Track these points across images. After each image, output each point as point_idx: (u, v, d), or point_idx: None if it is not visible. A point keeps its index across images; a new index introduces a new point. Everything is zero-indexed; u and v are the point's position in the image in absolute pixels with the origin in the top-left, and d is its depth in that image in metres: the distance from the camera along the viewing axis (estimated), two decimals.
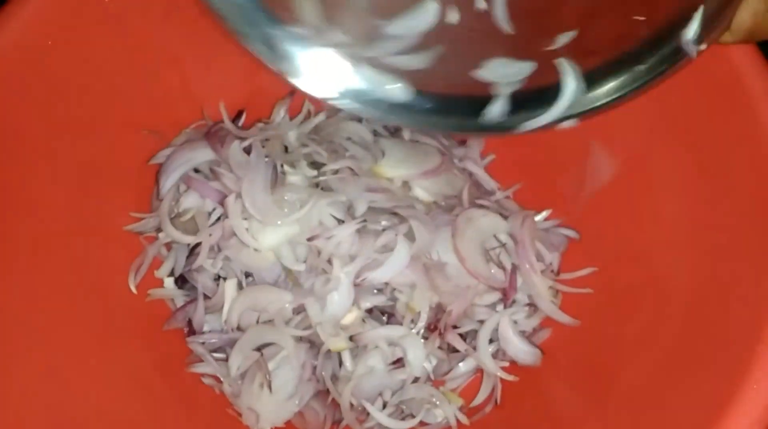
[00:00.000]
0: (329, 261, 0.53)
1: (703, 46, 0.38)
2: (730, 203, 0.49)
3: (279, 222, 0.54)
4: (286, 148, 0.59)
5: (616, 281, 0.56)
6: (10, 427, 0.43)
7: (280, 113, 0.64)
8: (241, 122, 0.63)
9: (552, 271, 0.60)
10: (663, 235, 0.54)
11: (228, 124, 0.61)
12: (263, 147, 0.58)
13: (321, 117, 0.63)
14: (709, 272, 0.49)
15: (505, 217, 0.59)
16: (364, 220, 0.54)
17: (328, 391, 0.55)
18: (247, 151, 0.58)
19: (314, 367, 0.55)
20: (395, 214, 0.56)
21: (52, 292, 0.50)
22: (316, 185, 0.57)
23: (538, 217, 0.62)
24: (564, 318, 0.58)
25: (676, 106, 0.53)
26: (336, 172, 0.57)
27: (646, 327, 0.52)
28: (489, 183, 0.64)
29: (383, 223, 0.56)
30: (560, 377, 0.56)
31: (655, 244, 0.54)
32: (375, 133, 0.63)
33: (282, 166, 0.57)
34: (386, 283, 0.55)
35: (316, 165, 0.58)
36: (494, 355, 0.57)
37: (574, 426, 0.52)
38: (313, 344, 0.55)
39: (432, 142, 0.62)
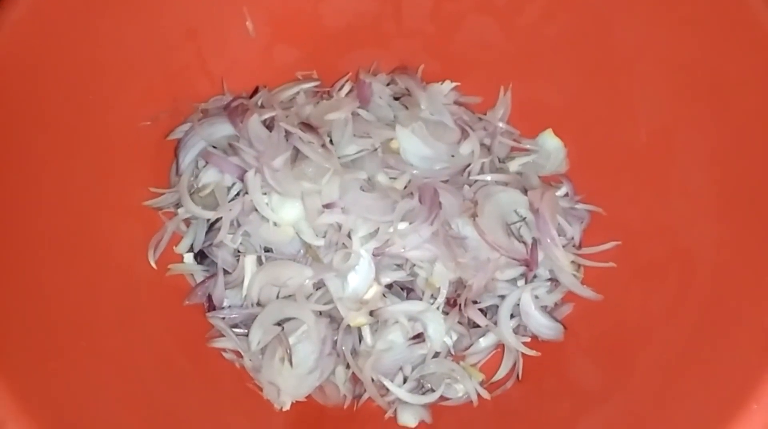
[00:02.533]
0: (349, 235, 0.53)
1: None
2: (761, 175, 0.47)
3: (298, 194, 0.54)
4: (303, 124, 0.58)
5: (640, 255, 0.55)
6: (33, 400, 0.43)
7: (299, 91, 0.63)
8: (259, 98, 0.62)
9: (574, 244, 0.59)
10: (689, 208, 0.53)
11: (247, 99, 0.60)
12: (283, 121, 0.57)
13: (339, 95, 0.63)
14: (736, 247, 0.48)
15: (525, 192, 0.59)
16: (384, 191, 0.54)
17: (348, 365, 0.55)
18: (267, 126, 0.57)
19: (334, 342, 0.55)
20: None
21: (72, 268, 0.50)
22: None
23: (558, 192, 0.61)
24: (586, 292, 0.57)
25: (703, 73, 0.52)
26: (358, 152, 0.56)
27: (671, 302, 0.51)
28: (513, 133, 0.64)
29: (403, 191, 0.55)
30: (583, 352, 0.56)
31: (681, 218, 0.53)
32: (390, 107, 0.62)
33: (301, 140, 0.56)
34: (406, 259, 0.54)
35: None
36: (515, 331, 0.57)
37: (597, 402, 0.51)
38: (333, 319, 0.55)
39: (449, 117, 0.61)
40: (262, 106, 0.61)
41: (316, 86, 0.64)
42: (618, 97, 0.59)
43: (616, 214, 0.59)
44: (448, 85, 0.64)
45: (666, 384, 0.48)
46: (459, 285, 0.55)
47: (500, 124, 0.64)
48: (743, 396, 0.41)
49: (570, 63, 0.61)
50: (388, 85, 0.64)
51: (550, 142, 0.64)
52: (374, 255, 0.52)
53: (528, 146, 0.64)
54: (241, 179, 0.56)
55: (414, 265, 0.55)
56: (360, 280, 0.53)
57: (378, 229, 0.53)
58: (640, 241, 0.56)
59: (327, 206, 0.53)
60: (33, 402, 0.42)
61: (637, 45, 0.56)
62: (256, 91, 0.63)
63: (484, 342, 0.58)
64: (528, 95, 0.64)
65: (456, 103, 0.64)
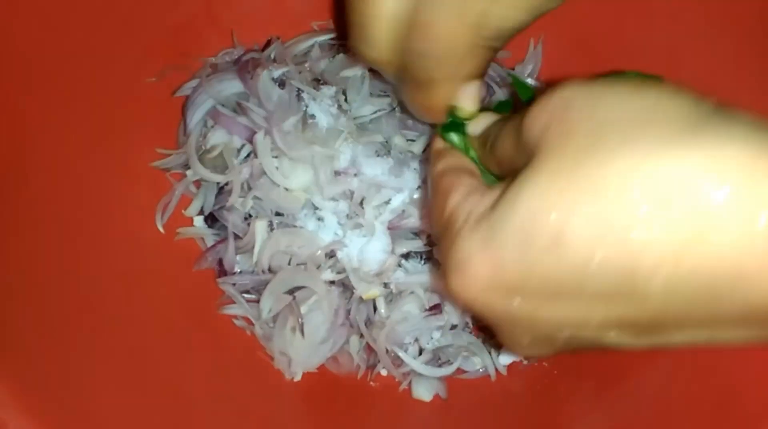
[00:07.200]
0: (361, 204, 0.50)
1: None
2: None
3: (310, 158, 0.51)
4: (317, 81, 0.55)
5: None
6: (31, 370, 0.42)
7: (314, 44, 0.59)
8: (271, 51, 0.58)
9: None
10: None
11: (259, 53, 0.56)
12: (295, 79, 0.54)
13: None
14: None
15: None
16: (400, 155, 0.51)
17: (362, 335, 0.53)
18: (279, 83, 0.54)
19: (348, 312, 0.53)
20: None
21: (76, 232, 0.48)
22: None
23: None
24: None
25: (757, 30, 0.47)
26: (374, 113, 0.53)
27: None
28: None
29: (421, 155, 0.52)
30: None
31: None
32: None
33: (314, 100, 0.53)
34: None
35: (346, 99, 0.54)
36: None
37: (624, 378, 0.48)
38: (346, 288, 0.53)
39: None
40: (274, 61, 0.57)
41: (331, 39, 0.59)
42: (661, 53, 0.54)
43: None
44: None
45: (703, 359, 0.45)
46: None
47: (529, 81, 0.59)
48: None
49: (611, 11, 0.56)
50: None
51: None
52: (389, 228, 0.49)
53: None
54: (250, 141, 0.53)
55: (430, 234, 0.52)
56: (373, 252, 0.50)
57: (392, 197, 0.50)
58: None
59: (339, 172, 0.50)
60: (31, 372, 0.40)
61: None
62: (268, 43, 0.59)
63: None
64: (561, 49, 0.59)
65: None
